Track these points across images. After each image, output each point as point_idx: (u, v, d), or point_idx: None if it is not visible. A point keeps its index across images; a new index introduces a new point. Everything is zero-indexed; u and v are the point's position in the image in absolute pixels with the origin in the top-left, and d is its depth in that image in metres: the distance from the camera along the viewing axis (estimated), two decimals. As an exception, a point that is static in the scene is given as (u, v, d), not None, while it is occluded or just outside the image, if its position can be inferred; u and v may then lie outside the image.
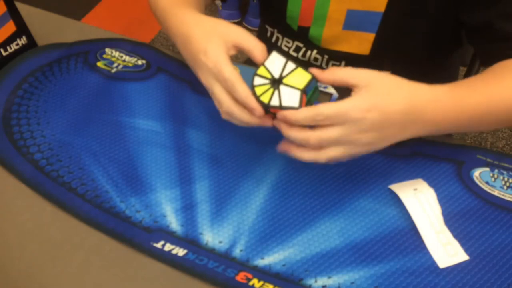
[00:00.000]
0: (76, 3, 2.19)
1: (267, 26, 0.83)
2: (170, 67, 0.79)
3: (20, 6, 0.78)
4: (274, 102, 0.54)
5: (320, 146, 0.53)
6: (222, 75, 0.54)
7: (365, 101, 0.51)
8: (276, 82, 0.54)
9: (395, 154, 0.67)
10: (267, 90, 0.54)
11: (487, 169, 0.65)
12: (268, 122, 0.55)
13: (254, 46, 0.56)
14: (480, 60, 0.68)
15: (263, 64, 0.55)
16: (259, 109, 0.53)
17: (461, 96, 0.57)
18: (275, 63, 0.55)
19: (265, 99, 0.54)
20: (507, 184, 0.63)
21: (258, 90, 0.54)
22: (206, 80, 0.57)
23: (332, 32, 0.72)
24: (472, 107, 0.57)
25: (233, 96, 0.55)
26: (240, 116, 0.55)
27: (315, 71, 0.53)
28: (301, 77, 0.53)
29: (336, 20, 0.70)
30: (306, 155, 0.54)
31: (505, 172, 0.64)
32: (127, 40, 0.83)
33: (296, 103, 0.53)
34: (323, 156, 0.53)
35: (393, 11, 0.67)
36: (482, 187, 0.63)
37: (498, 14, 0.63)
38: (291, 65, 0.54)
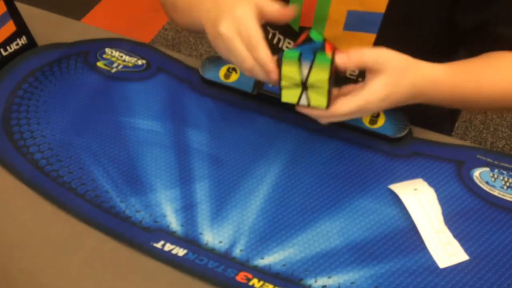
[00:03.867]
0: (76, 3, 2.19)
1: (268, 28, 0.83)
2: (170, 67, 0.79)
3: (20, 6, 0.78)
4: (303, 101, 0.57)
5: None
6: (248, 31, 0.55)
7: (382, 91, 0.56)
8: (303, 85, 0.56)
9: (395, 154, 0.67)
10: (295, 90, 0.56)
11: (487, 169, 0.65)
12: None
13: (278, 10, 0.58)
14: (468, 54, 0.70)
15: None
16: (275, 73, 0.55)
17: (457, 79, 0.62)
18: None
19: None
20: (507, 184, 0.63)
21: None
22: (228, 31, 0.56)
23: (333, 33, 0.72)
24: (464, 90, 0.63)
25: (252, 53, 0.56)
26: (257, 73, 0.57)
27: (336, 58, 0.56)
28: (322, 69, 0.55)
29: (336, 21, 0.70)
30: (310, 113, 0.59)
31: (505, 172, 0.64)
32: (127, 40, 0.83)
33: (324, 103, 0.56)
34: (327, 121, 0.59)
35: (394, 12, 0.67)
36: (482, 187, 0.63)
37: (493, 17, 0.65)
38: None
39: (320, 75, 0.54)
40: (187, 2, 0.69)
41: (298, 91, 0.56)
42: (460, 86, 0.63)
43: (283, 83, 0.55)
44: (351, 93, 0.56)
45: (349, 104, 0.56)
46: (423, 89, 0.59)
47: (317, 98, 0.55)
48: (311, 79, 0.54)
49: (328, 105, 0.55)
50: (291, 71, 0.54)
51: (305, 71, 0.54)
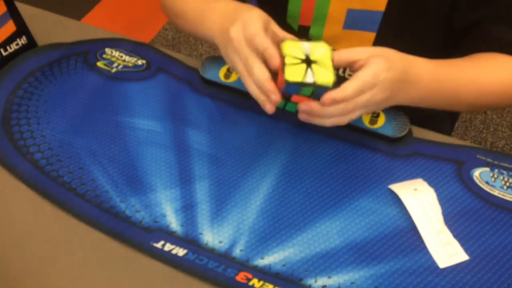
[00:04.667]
0: (76, 3, 2.19)
1: None
2: (170, 67, 0.79)
3: (20, 6, 0.78)
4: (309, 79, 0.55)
5: (353, 110, 0.57)
6: (250, 31, 0.56)
7: (383, 62, 0.56)
8: (307, 61, 0.56)
9: (395, 154, 0.67)
10: (298, 67, 0.55)
11: (487, 169, 0.65)
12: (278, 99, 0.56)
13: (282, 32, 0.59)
14: (459, 53, 0.70)
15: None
16: (276, 58, 0.54)
17: (442, 72, 0.64)
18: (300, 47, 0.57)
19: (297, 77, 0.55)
20: (507, 184, 0.63)
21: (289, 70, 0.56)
22: (236, 34, 0.57)
23: (333, 32, 0.72)
24: (450, 82, 0.64)
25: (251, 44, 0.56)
26: (257, 96, 0.57)
27: None
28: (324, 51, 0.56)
29: (336, 20, 0.70)
30: (328, 122, 0.58)
31: (505, 172, 0.64)
32: (127, 40, 0.83)
33: (331, 79, 0.55)
34: (346, 119, 0.57)
35: (393, 10, 0.67)
36: (482, 187, 0.63)
37: (487, 16, 0.66)
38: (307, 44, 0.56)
39: (321, 48, 0.55)
40: (191, 14, 0.69)
41: (303, 67, 0.55)
42: (443, 81, 0.64)
43: (287, 60, 0.55)
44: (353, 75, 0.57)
45: (355, 81, 0.55)
46: (415, 76, 0.60)
47: (323, 73, 0.54)
48: (314, 54, 0.55)
49: (334, 82, 0.54)
50: (293, 46, 0.55)
51: (306, 47, 0.55)
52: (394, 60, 0.57)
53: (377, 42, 0.71)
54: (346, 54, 0.57)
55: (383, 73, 0.55)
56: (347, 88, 0.54)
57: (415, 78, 0.60)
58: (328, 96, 0.54)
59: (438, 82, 0.63)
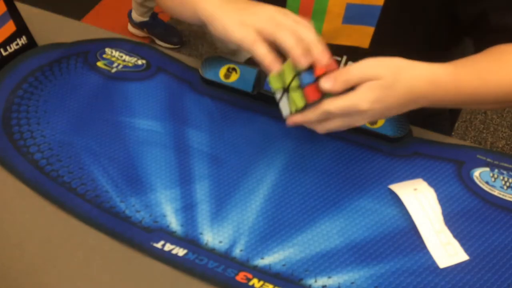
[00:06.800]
0: (76, 3, 2.19)
1: None
2: (170, 67, 0.79)
3: (20, 6, 0.78)
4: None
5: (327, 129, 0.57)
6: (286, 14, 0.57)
7: (373, 92, 0.53)
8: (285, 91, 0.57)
9: (395, 154, 0.67)
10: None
11: (487, 169, 0.65)
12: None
13: None
14: (475, 48, 0.69)
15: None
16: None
17: (460, 76, 0.60)
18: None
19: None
20: (507, 184, 0.63)
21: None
22: (268, 16, 0.57)
23: (332, 26, 0.72)
24: (470, 86, 0.61)
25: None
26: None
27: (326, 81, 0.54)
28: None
29: (335, 14, 0.70)
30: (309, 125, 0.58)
31: (505, 172, 0.64)
32: (127, 40, 0.83)
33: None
34: (322, 128, 0.57)
35: (392, 4, 0.67)
36: (482, 187, 0.63)
37: (491, 7, 0.65)
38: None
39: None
40: None
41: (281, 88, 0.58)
42: (465, 84, 0.60)
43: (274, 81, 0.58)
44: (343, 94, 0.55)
45: (337, 102, 0.54)
46: (423, 91, 0.57)
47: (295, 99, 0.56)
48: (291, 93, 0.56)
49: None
50: (287, 72, 0.56)
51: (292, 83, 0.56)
52: (395, 79, 0.54)
53: (376, 36, 0.71)
54: (341, 79, 0.54)
55: (371, 105, 0.53)
56: (323, 106, 0.54)
57: (427, 89, 0.57)
58: (290, 119, 0.57)
59: (458, 85, 0.60)
